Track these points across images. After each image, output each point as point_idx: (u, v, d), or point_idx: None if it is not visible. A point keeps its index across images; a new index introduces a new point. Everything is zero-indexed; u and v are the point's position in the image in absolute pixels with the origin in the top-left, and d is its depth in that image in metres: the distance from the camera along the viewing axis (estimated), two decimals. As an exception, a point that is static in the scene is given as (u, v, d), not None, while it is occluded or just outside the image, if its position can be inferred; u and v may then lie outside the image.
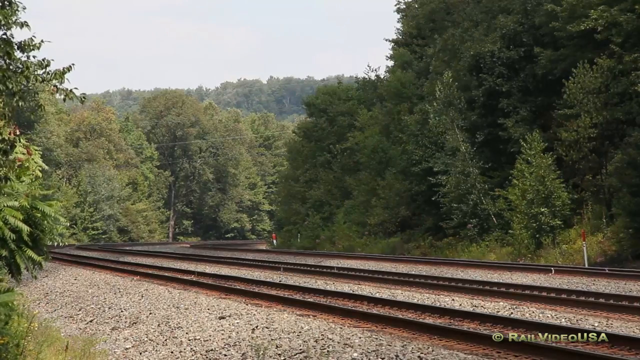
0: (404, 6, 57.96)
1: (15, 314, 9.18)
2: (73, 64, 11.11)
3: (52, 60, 11.00)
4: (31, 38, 10.92)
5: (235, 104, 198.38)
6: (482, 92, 36.91)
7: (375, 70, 64.11)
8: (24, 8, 10.88)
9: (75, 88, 11.03)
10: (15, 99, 10.58)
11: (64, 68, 11.05)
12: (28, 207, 11.28)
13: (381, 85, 56.13)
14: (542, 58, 34.77)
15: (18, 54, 10.89)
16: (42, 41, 10.91)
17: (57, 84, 11.00)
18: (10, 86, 10.48)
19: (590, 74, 31.22)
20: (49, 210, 11.39)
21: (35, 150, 12.20)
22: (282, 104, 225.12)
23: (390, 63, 58.91)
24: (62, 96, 10.97)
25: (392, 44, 58.64)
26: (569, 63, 33.17)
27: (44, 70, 10.92)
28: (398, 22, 59.25)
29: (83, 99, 11.01)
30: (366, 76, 61.45)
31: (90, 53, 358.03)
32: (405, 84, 48.09)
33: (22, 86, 10.84)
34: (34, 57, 11.02)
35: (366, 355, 10.07)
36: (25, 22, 10.81)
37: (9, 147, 10.48)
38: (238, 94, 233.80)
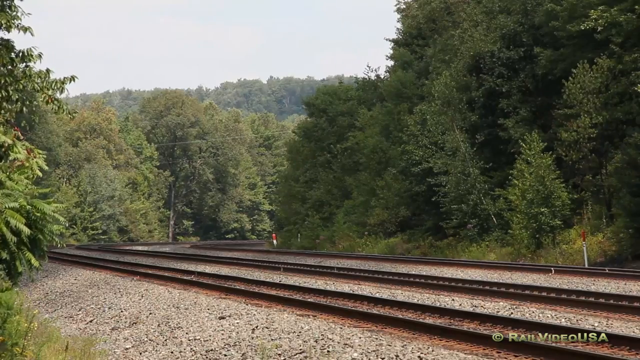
0: (404, 6, 57.94)
1: (14, 313, 9.17)
2: (76, 77, 11.18)
3: (52, 71, 11.08)
4: (31, 48, 11.01)
5: (235, 104, 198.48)
6: (482, 92, 36.90)
7: (375, 70, 64.10)
8: (29, 14, 10.94)
9: (67, 104, 11.30)
10: (17, 104, 10.64)
11: (64, 78, 11.11)
12: (28, 206, 11.26)
13: (381, 85, 56.13)
14: (542, 58, 34.76)
15: (18, 62, 10.98)
16: (40, 54, 11.02)
17: (55, 93, 11.10)
18: (12, 93, 10.54)
19: (590, 74, 31.21)
20: (48, 209, 11.38)
21: (40, 153, 12.18)
22: (282, 104, 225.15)
23: (391, 63, 59.00)
24: (55, 107, 11.08)
25: (392, 44, 58.62)
26: (569, 63, 33.15)
27: (43, 79, 11.00)
28: (398, 22, 59.30)
29: (74, 115, 11.16)
30: (366, 76, 61.52)
31: (90, 53, 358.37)
32: (405, 84, 48.10)
33: (23, 91, 10.92)
34: (34, 63, 11.11)
35: (366, 355, 10.06)
36: (28, 27, 10.86)
37: (3, 151, 10.52)
38: (238, 94, 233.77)
